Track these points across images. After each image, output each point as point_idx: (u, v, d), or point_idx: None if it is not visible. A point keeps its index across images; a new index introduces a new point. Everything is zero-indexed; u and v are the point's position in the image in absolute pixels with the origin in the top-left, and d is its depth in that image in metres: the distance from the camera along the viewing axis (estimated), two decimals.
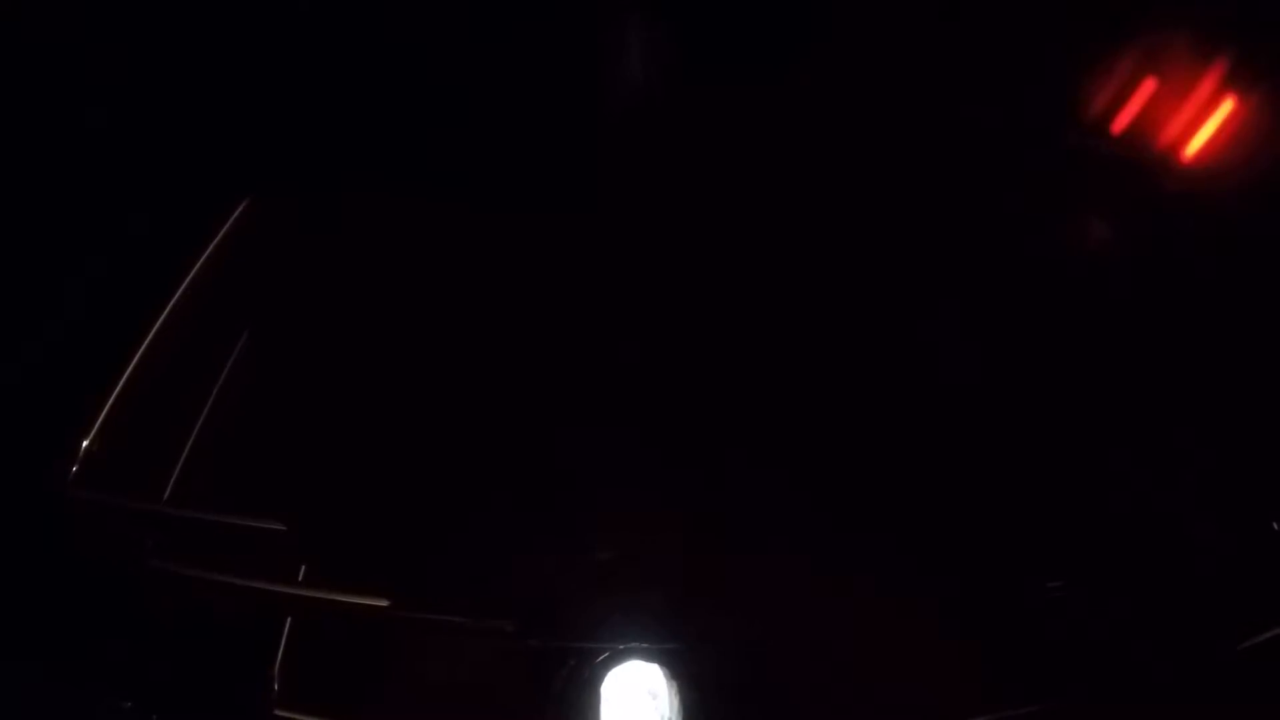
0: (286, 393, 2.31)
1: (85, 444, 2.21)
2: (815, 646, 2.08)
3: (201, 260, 2.37)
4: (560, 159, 2.45)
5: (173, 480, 2.23)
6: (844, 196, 2.41)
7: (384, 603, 2.06)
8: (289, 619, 2.11)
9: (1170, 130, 2.43)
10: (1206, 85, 2.41)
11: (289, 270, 2.42)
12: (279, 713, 2.06)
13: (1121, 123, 2.44)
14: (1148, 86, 2.43)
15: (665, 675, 2.04)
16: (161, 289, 2.34)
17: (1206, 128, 2.41)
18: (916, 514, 2.18)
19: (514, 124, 2.49)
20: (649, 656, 2.05)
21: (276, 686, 2.08)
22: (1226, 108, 2.41)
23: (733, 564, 2.11)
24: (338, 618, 2.11)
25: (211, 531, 2.15)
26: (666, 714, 2.03)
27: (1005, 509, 2.19)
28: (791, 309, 2.35)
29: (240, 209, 2.41)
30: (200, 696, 2.10)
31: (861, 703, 2.06)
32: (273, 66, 2.53)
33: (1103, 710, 2.08)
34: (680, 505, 2.14)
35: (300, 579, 2.12)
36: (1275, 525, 2.18)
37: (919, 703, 2.06)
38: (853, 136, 2.45)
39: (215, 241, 2.38)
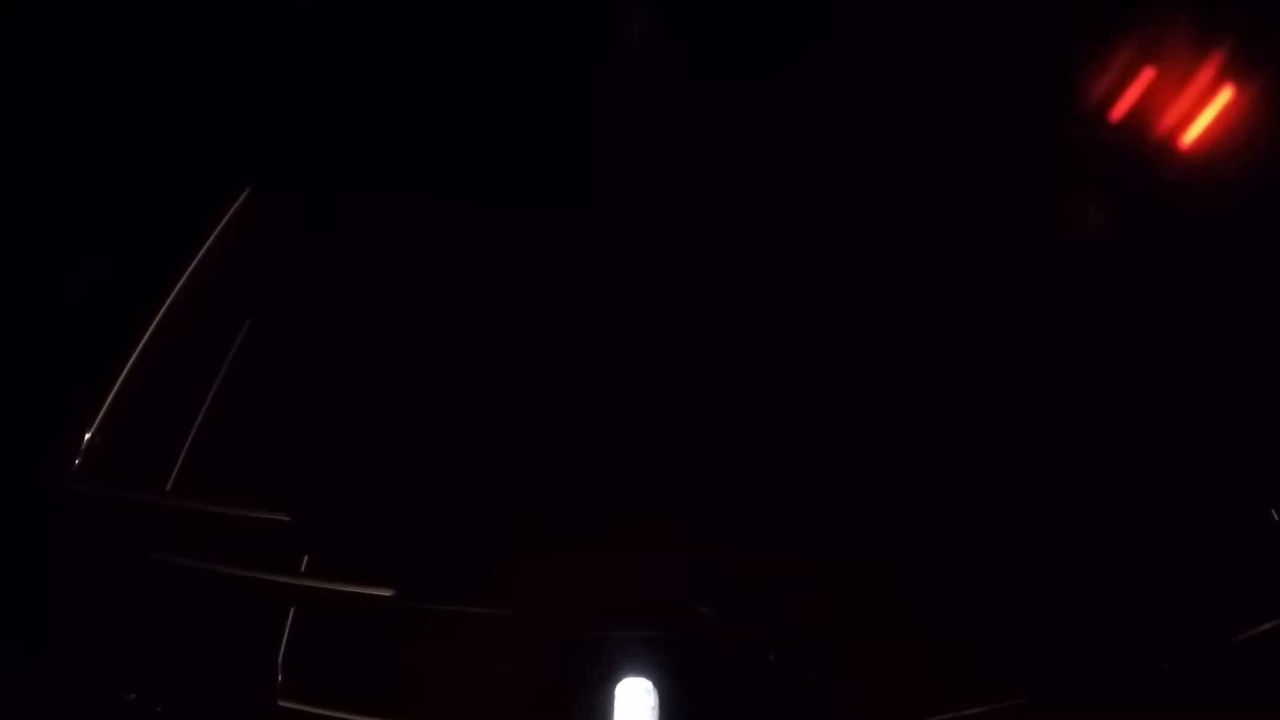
0: (288, 384, 2.32)
1: (87, 437, 2.22)
2: (811, 643, 2.09)
3: (202, 252, 2.37)
4: (560, 159, 2.45)
5: (175, 473, 2.23)
6: (842, 194, 2.41)
7: (388, 593, 2.07)
8: (292, 610, 2.12)
9: (1168, 119, 2.43)
10: (1205, 73, 2.42)
11: (290, 262, 2.42)
12: (283, 703, 2.08)
13: (1119, 111, 2.44)
14: (1146, 75, 2.44)
15: (660, 670, 2.05)
16: (162, 281, 2.34)
17: (1205, 116, 2.42)
18: (911, 505, 2.19)
19: (514, 124, 2.49)
20: (648, 650, 2.06)
21: (280, 677, 2.08)
22: (1225, 96, 2.42)
23: (730, 561, 2.12)
24: (342, 608, 2.12)
25: (214, 523, 2.16)
26: (657, 706, 2.04)
27: (1000, 501, 2.19)
28: (791, 307, 2.35)
29: (240, 201, 2.42)
30: (204, 688, 2.11)
31: (858, 699, 2.07)
32: (272, 63, 2.53)
33: (1099, 703, 2.08)
34: (680, 503, 2.15)
35: (303, 570, 2.13)
36: (1275, 514, 2.19)
37: (914, 694, 2.07)
38: (849, 131, 2.45)
39: (215, 233, 2.39)
